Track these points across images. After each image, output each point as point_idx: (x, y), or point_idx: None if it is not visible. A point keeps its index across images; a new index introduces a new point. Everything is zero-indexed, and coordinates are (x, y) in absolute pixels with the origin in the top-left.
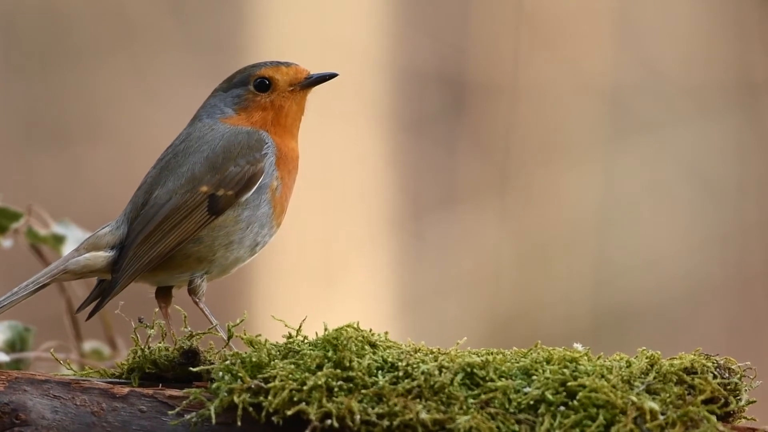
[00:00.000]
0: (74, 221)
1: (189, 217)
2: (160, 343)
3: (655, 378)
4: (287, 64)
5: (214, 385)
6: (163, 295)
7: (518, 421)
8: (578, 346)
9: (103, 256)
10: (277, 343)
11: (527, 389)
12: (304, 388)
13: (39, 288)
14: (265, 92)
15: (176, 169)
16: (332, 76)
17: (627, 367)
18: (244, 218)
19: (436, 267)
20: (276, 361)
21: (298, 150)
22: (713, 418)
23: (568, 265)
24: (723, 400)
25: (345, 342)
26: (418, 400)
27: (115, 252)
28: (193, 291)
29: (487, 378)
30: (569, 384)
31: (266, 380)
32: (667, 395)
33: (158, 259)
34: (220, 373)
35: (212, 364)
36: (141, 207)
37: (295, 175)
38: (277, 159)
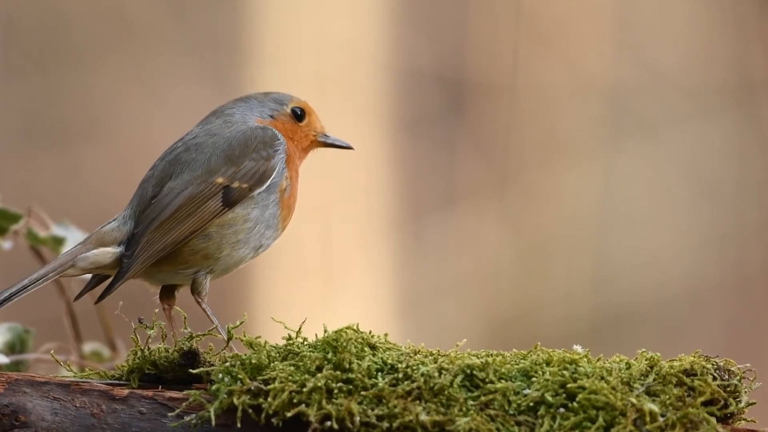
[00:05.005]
0: (74, 222)
1: (203, 206)
2: (160, 344)
3: (654, 380)
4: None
5: (214, 387)
6: (167, 296)
7: (518, 423)
8: (578, 348)
9: (111, 252)
10: (276, 344)
11: (527, 391)
12: (304, 389)
13: (47, 282)
14: (297, 121)
15: (190, 161)
16: (347, 147)
17: (627, 368)
18: (252, 217)
19: (436, 267)
20: (276, 362)
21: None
22: (713, 419)
23: (567, 265)
24: (723, 402)
25: (345, 344)
26: (417, 401)
27: (123, 247)
28: (196, 290)
29: (486, 380)
30: (569, 386)
31: (266, 382)
32: (667, 397)
33: (171, 247)
34: (220, 375)
35: (212, 365)
36: (151, 198)
37: (297, 182)
38: (287, 158)
